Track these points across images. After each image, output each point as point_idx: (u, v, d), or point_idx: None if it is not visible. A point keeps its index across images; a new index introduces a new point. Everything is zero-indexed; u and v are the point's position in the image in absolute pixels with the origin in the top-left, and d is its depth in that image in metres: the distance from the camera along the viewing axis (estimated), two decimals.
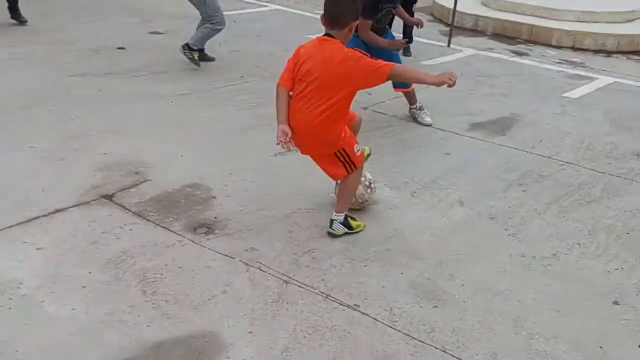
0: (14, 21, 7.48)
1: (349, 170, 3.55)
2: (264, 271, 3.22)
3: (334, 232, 3.60)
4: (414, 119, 5.57)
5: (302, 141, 3.43)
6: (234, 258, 3.31)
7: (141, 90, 5.76)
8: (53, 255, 3.17)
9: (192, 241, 3.43)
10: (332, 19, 3.29)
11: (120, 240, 3.37)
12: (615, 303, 3.19)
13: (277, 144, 3.34)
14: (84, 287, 2.95)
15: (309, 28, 8.13)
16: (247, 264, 3.26)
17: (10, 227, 3.40)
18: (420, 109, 5.57)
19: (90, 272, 3.06)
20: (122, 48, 7.06)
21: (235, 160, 4.47)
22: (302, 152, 3.58)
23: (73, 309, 2.78)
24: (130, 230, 3.48)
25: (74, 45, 6.95)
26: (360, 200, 3.88)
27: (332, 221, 3.60)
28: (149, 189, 3.95)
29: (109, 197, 3.82)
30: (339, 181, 3.69)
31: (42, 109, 5.10)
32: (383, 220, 3.85)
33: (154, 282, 3.05)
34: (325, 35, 3.33)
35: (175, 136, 4.83)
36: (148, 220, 3.60)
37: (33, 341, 2.58)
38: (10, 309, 2.76)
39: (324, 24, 3.34)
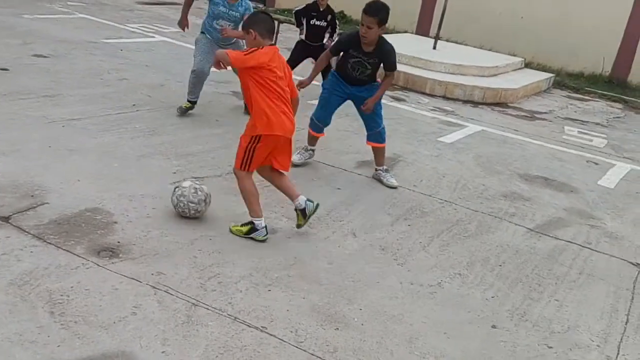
0: None
1: None
2: (171, 294, 3.28)
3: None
4: (379, 180, 5.52)
5: None
6: (140, 281, 3.34)
7: (30, 114, 5.59)
8: None
9: (97, 264, 3.42)
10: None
11: (21, 262, 3.30)
12: (493, 327, 3.56)
13: None
14: None
15: None
16: (154, 287, 3.31)
17: None
18: (387, 171, 5.56)
19: None
20: (6, 69, 6.80)
21: (134, 186, 4.48)
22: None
23: None
24: (31, 252, 3.41)
25: None
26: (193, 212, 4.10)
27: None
28: (47, 212, 3.88)
29: (5, 219, 3.71)
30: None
31: None
32: (283, 249, 4.03)
33: (60, 303, 3.02)
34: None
35: (69, 160, 4.75)
36: (49, 243, 3.54)
37: None
38: None
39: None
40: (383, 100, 5.43)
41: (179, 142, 5.50)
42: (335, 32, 8.06)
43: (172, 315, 3.11)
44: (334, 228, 4.46)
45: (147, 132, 5.67)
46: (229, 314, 3.20)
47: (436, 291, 3.83)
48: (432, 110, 8.70)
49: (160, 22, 11.74)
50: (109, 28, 10.28)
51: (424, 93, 9.66)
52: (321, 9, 7.89)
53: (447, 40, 13.12)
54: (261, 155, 4.00)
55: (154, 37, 10.24)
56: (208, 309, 3.21)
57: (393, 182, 5.48)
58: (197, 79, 6.24)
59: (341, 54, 5.36)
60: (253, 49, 3.88)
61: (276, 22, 7.69)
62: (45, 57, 7.67)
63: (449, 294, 3.83)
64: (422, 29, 14.58)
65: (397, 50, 5.33)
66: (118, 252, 3.59)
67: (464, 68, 10.55)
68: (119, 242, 3.70)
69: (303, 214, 4.20)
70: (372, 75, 5.31)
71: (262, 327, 3.15)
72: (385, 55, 5.20)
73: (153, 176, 4.73)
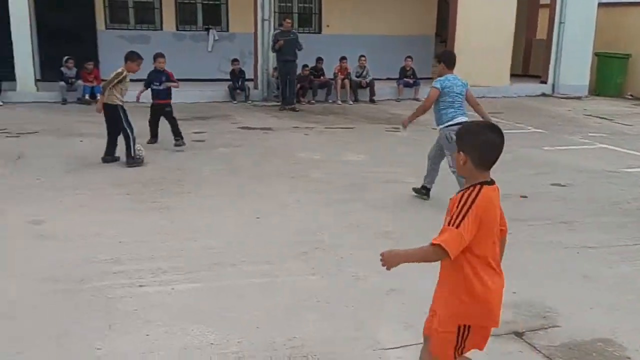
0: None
1: None
2: None
3: None
4: None
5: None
6: None
7: (542, 239, 5.92)
8: None
9: None
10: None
11: None
12: None
13: None
14: None
15: None
16: None
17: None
18: None
19: None
20: (525, 197, 7.39)
21: None
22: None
23: None
24: None
25: None
26: None
27: None
28: (558, 335, 4.01)
29: (519, 334, 4.00)
30: None
31: None
32: None
33: None
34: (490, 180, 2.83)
35: (582, 287, 4.82)
36: None
37: None
38: None
39: (487, 168, 2.81)
40: None
41: None
42: None
43: None
44: None
45: None
46: None
47: None
48: None
49: None
50: (632, 157, 10.10)
51: None
52: None
53: None
54: None
55: None
56: None
57: None
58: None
59: None
60: (469, 208, 2.70)
61: None
62: (562, 185, 8.04)
63: None
64: None
65: None
66: None
67: None
68: None
69: None
70: None
71: None
72: None
73: None
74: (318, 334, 3.94)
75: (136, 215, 6.31)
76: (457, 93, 6.75)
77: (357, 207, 6.76)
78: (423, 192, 7.18)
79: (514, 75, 18.53)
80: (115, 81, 8.22)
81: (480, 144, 2.76)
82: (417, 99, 16.39)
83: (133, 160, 8.34)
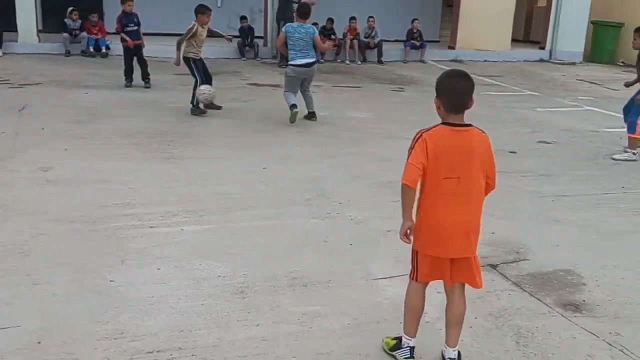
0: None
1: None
2: (626, 354, 3.51)
3: None
4: None
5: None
6: (597, 336, 3.69)
7: (526, 188, 6.47)
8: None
9: (561, 315, 3.93)
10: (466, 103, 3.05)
11: (500, 300, 4.08)
12: None
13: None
14: (470, 327, 3.67)
15: None
16: (609, 344, 3.61)
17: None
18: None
19: (476, 318, 3.80)
20: (514, 152, 7.92)
21: (609, 257, 4.80)
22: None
23: (462, 340, 3.39)
24: (509, 294, 4.16)
25: None
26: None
27: None
28: (526, 267, 4.59)
29: (494, 266, 4.57)
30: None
31: None
32: None
33: (525, 337, 3.64)
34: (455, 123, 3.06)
35: (552, 229, 5.38)
36: (524, 290, 4.23)
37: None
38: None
39: (457, 111, 3.04)
40: None
41: None
42: None
43: None
44: None
45: (632, 212, 5.88)
46: None
47: None
48: None
49: None
50: (614, 119, 10.49)
51: None
52: None
53: None
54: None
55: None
56: None
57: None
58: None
59: None
60: (416, 142, 3.07)
61: None
62: (548, 143, 8.55)
63: None
64: None
65: None
66: (582, 308, 4.02)
67: None
68: (584, 300, 4.12)
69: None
70: None
71: None
72: None
73: (633, 252, 4.95)
74: (317, 268, 4.41)
75: (145, 163, 6.70)
76: (297, 39, 8.53)
77: (359, 160, 7.23)
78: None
79: (515, 41, 18.93)
80: (188, 36, 9.03)
81: (448, 89, 3.03)
82: (422, 61, 16.75)
83: (198, 109, 9.22)
